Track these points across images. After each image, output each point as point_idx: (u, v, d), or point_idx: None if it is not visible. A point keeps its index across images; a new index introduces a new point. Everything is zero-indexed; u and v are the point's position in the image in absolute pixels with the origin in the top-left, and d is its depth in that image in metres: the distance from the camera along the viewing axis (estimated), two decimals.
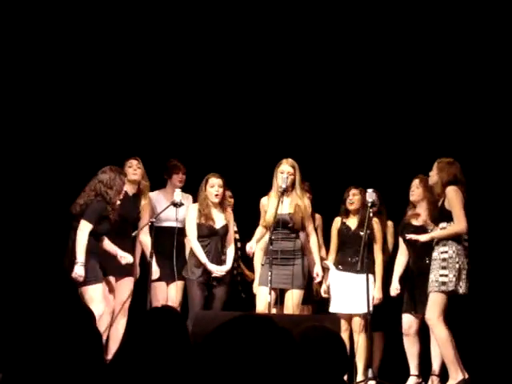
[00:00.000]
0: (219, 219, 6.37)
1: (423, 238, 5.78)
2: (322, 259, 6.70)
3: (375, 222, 6.37)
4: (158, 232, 6.18)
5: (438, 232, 5.72)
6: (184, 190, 6.47)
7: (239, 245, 6.73)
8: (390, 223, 6.66)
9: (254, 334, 1.65)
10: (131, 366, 2.19)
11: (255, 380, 1.61)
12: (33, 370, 1.93)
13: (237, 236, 6.77)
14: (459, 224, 5.59)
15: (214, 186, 6.32)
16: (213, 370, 1.61)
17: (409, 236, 5.88)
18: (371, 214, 6.10)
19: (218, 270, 6.24)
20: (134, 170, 6.32)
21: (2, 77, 7.00)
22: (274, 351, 1.64)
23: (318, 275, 6.10)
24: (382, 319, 6.38)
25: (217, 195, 6.32)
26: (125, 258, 5.90)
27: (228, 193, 6.80)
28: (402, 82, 7.27)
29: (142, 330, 2.32)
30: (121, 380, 2.15)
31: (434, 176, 5.81)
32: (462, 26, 7.01)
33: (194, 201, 6.52)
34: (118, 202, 5.96)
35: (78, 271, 5.59)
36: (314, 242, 6.17)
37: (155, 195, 6.62)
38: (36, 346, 1.97)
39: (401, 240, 6.31)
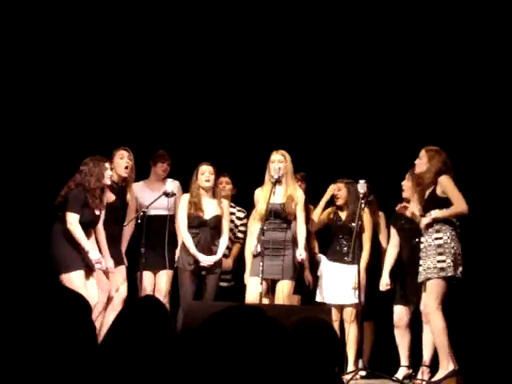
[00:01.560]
0: (210, 209, 6.34)
1: (425, 220, 5.65)
2: (313, 252, 6.73)
3: (365, 212, 6.36)
4: (148, 221, 6.16)
5: (440, 212, 5.58)
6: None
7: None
8: (381, 214, 6.65)
9: (245, 325, 1.65)
10: (115, 357, 2.19)
11: (246, 371, 1.61)
12: (24, 360, 1.91)
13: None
14: (461, 205, 5.52)
15: (204, 173, 6.32)
16: (204, 360, 1.60)
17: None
18: (363, 206, 6.09)
19: (205, 260, 6.22)
20: (126, 162, 6.27)
21: None
22: (266, 342, 1.63)
23: (300, 255, 6.05)
24: (373, 309, 6.40)
25: (207, 180, 6.30)
26: (94, 259, 5.79)
27: (225, 179, 6.78)
28: (394, 76, 7.26)
29: (124, 322, 2.31)
30: (105, 369, 2.14)
31: (422, 164, 5.73)
32: (451, 19, 7.00)
33: (183, 187, 6.51)
34: (109, 195, 5.96)
35: (94, 256, 5.66)
36: (301, 231, 6.14)
37: (139, 186, 6.59)
38: (27, 335, 1.96)
39: (393, 231, 6.31)
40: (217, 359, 1.61)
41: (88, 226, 5.81)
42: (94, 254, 5.66)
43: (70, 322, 2.00)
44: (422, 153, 5.76)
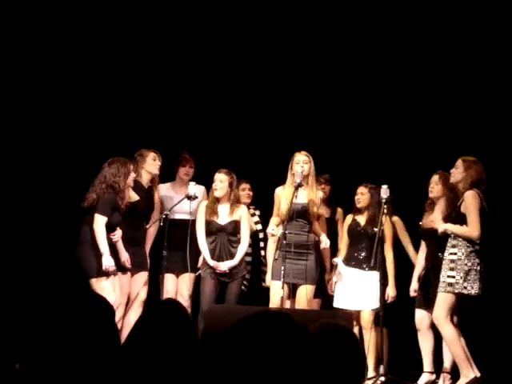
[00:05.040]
0: (225, 215, 6.35)
1: (440, 227, 5.71)
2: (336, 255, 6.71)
3: (386, 219, 6.33)
4: (170, 224, 6.19)
5: (453, 226, 5.63)
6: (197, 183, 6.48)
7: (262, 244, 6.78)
8: (396, 218, 6.58)
9: (273, 331, 1.64)
10: (135, 359, 2.19)
11: (272, 377, 1.60)
12: (50, 361, 1.93)
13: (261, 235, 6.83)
14: (473, 230, 5.53)
15: (215, 181, 6.34)
16: (231, 366, 1.60)
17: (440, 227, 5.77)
18: (385, 211, 6.06)
19: (219, 267, 6.23)
20: (158, 166, 6.33)
21: (19, 69, 7.01)
22: (293, 349, 1.63)
23: (326, 243, 6.05)
24: (387, 316, 6.36)
25: (215, 189, 6.31)
26: (126, 262, 5.90)
27: (247, 185, 6.77)
28: (418, 80, 7.23)
29: (145, 324, 2.31)
30: (126, 371, 2.15)
31: (458, 174, 5.68)
32: (480, 21, 6.95)
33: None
34: (132, 194, 5.98)
35: (106, 262, 5.66)
36: (319, 227, 6.17)
37: (165, 187, 6.63)
38: (53, 337, 1.97)
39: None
40: (244, 364, 1.61)
41: (116, 227, 5.85)
42: (107, 260, 5.67)
43: (94, 325, 2.01)
44: (459, 162, 5.71)
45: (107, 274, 5.69)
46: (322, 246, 6.08)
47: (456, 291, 5.51)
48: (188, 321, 2.36)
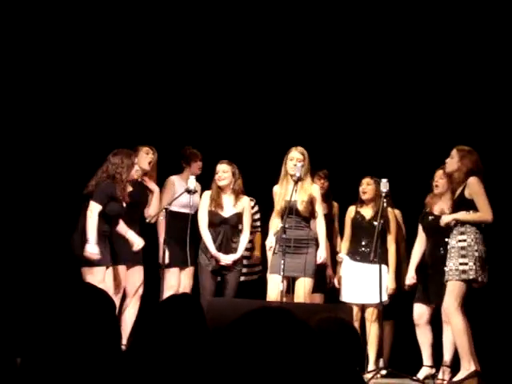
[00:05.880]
0: (230, 207, 6.36)
1: (446, 218, 5.70)
2: (335, 250, 6.71)
3: (389, 212, 6.35)
4: (171, 218, 6.19)
5: (462, 214, 5.61)
6: (198, 177, 6.47)
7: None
8: (397, 212, 6.60)
9: (274, 327, 1.65)
10: (148, 354, 2.19)
11: (272, 371, 1.61)
12: (51, 355, 1.93)
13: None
14: (487, 213, 5.53)
15: (218, 172, 6.35)
16: (233, 362, 1.61)
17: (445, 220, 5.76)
18: (385, 204, 6.07)
19: (224, 259, 6.24)
20: (150, 160, 6.32)
21: (25, 63, 7.01)
22: (294, 344, 1.63)
23: (320, 258, 6.04)
24: (393, 308, 6.38)
25: (219, 179, 6.31)
26: (136, 244, 5.91)
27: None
28: (415, 74, 7.23)
29: (159, 318, 2.32)
30: (138, 367, 2.15)
31: (454, 163, 5.70)
32: (477, 18, 6.96)
33: (203, 190, 6.52)
34: (130, 189, 5.98)
35: (90, 249, 5.62)
36: (321, 227, 6.12)
37: (178, 181, 6.61)
38: (54, 331, 1.97)
39: (420, 229, 6.27)
40: (244, 360, 1.61)
41: (118, 218, 5.85)
42: (91, 247, 5.63)
43: (95, 318, 2.01)
44: (454, 152, 5.73)
45: (99, 263, 5.66)
46: (318, 260, 6.05)
47: (471, 277, 5.48)
48: (202, 316, 2.36)
